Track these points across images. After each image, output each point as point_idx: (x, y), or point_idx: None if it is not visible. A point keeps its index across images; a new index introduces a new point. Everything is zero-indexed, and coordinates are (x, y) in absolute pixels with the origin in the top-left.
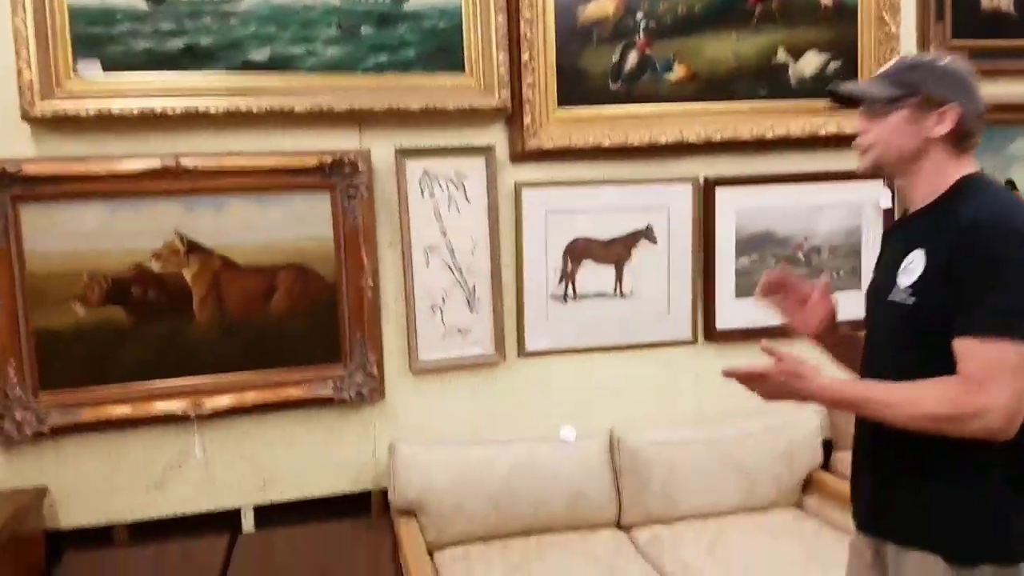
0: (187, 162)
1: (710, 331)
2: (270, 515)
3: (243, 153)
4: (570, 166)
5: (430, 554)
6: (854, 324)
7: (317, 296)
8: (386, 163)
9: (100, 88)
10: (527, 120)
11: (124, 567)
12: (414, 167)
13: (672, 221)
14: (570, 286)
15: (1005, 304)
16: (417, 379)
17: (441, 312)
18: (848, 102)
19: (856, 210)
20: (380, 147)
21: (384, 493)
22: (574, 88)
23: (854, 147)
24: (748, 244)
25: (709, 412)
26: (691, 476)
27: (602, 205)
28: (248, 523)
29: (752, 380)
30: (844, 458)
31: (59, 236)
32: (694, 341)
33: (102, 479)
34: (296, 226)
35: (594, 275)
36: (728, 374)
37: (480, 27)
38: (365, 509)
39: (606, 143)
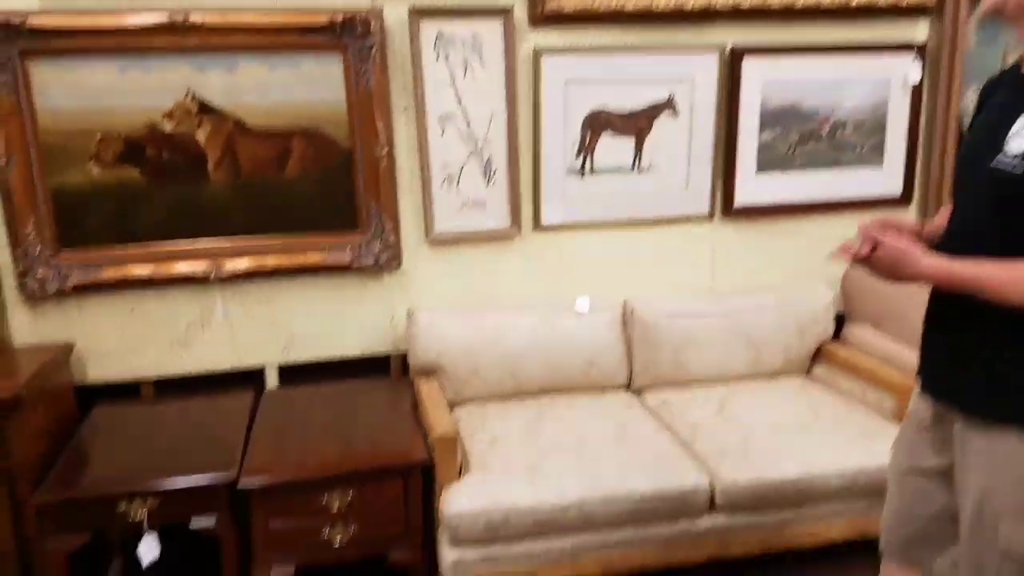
0: (195, 17)
1: (728, 207)
2: (293, 375)
3: (250, 9)
4: (591, 32)
5: (449, 410)
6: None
7: (331, 163)
8: (400, 24)
9: None
10: None
11: (153, 419)
12: (429, 28)
13: (695, 92)
14: (588, 159)
15: None
16: (433, 249)
17: (457, 183)
18: None
19: (883, 85)
20: (393, 6)
21: (403, 357)
22: None
23: None
24: (772, 118)
25: (723, 287)
26: (702, 346)
27: (623, 75)
28: (272, 382)
29: (859, 262)
30: (856, 330)
31: (70, 93)
32: (711, 217)
33: (127, 337)
34: (308, 89)
35: (613, 148)
36: (839, 255)
37: None
38: (384, 372)
39: (629, 7)
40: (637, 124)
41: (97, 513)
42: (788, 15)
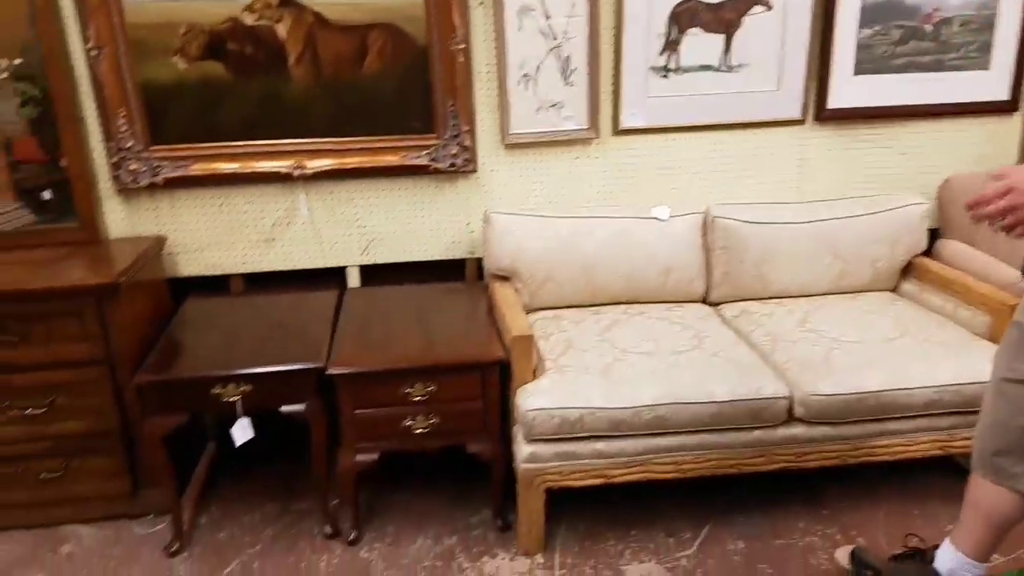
0: None
1: (821, 110)
2: (372, 276)
3: None
4: None
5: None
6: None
7: (408, 60)
8: None
9: None
10: None
11: (242, 312)
12: None
13: None
14: (674, 57)
15: None
16: (509, 153)
17: (534, 83)
18: None
19: None
20: None
21: (478, 262)
22: None
23: None
24: (872, 13)
25: (811, 196)
26: (785, 257)
27: None
28: (353, 280)
29: (1001, 203)
30: (950, 245)
31: None
32: (803, 121)
33: (216, 232)
34: None
35: (700, 45)
36: (971, 205)
37: None
38: (459, 276)
39: None
40: (727, 18)
41: (193, 395)
42: None
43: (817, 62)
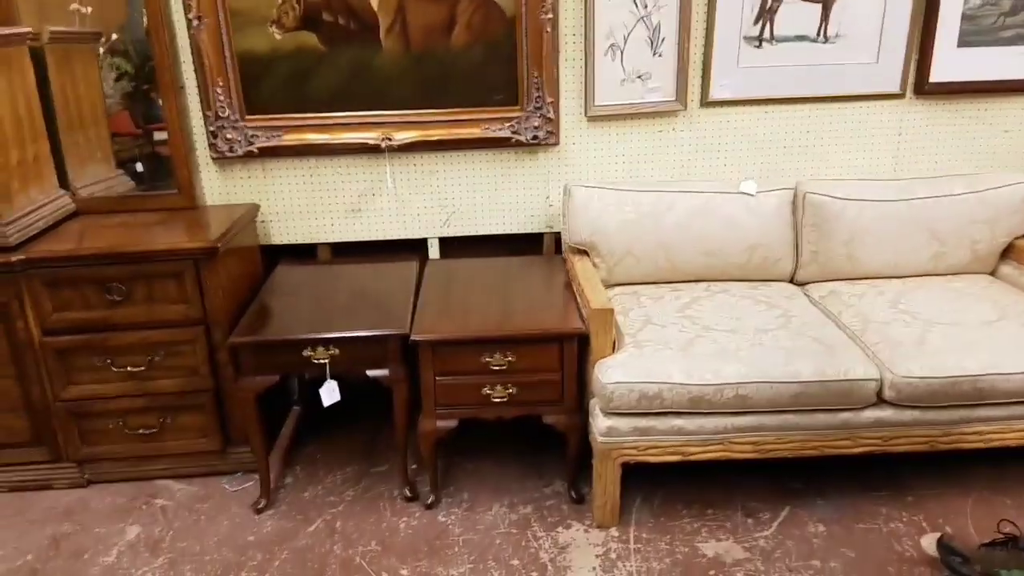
0: None
1: (922, 84)
2: (452, 247)
3: None
4: None
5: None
6: None
7: (496, 30)
8: None
9: None
10: None
11: (330, 279)
12: None
13: None
14: (768, 26)
15: None
16: (592, 125)
17: (621, 54)
18: None
19: None
20: None
21: (556, 236)
22: None
23: None
24: None
25: (908, 173)
26: (879, 237)
27: None
28: (434, 252)
29: None
30: None
31: None
32: (902, 95)
33: (306, 201)
34: None
35: (797, 14)
36: None
37: None
38: (536, 249)
39: None
40: None
41: (284, 357)
42: None
43: (920, 33)
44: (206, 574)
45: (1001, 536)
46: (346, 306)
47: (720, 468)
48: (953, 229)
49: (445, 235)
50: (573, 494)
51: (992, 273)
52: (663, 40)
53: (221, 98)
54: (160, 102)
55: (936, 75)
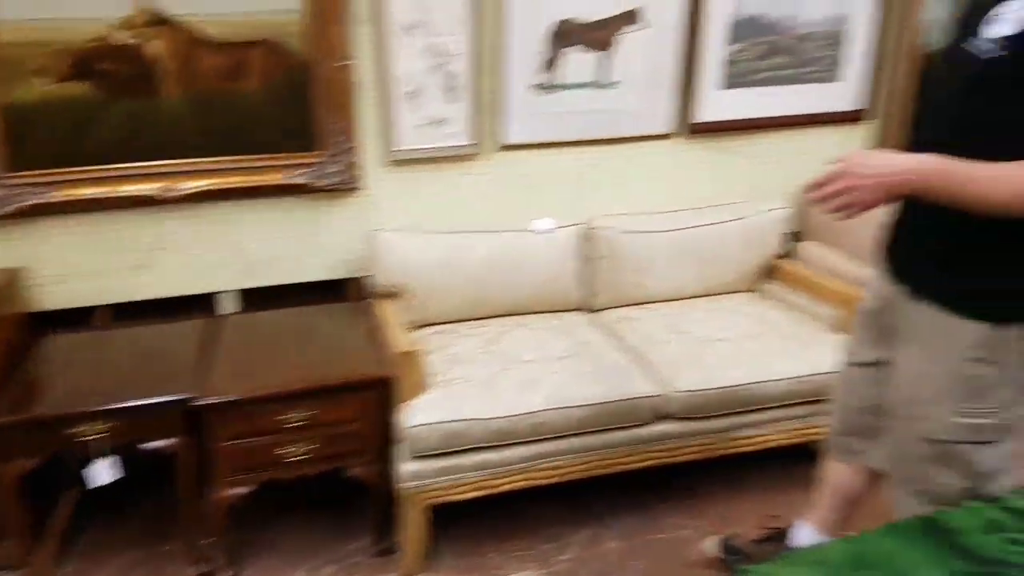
0: None
1: (690, 124)
2: (251, 300)
3: None
4: None
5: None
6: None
7: (290, 76)
8: None
9: None
10: None
11: (108, 344)
12: None
13: (662, 4)
14: (553, 74)
15: None
16: (394, 170)
17: (418, 100)
18: None
19: None
20: None
21: (361, 281)
22: None
23: None
24: (737, 30)
25: (684, 205)
26: (660, 264)
27: None
28: (228, 307)
29: (837, 184)
30: (808, 246)
31: (17, 2)
32: (673, 135)
33: (81, 261)
34: None
35: (579, 62)
36: (812, 190)
37: None
38: (343, 296)
39: None
40: (603, 36)
41: (50, 435)
42: None
43: (685, 78)
44: None
45: (769, 531)
46: (124, 373)
47: (525, 498)
48: (723, 253)
49: (243, 287)
50: (381, 546)
51: (758, 291)
52: (459, 87)
53: None
54: None
55: (702, 116)
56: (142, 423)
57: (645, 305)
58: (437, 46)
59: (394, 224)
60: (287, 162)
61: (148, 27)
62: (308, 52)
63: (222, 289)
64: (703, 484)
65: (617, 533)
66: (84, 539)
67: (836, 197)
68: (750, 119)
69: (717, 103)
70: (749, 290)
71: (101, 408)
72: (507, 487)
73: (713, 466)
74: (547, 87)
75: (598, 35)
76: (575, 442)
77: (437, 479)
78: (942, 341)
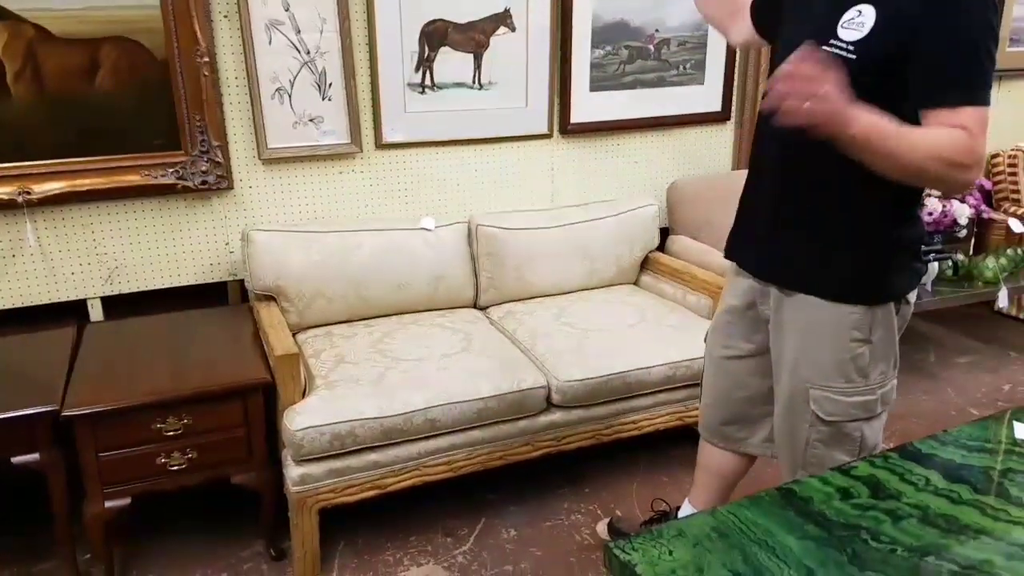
0: None
1: (565, 124)
2: (119, 307)
3: None
4: None
5: (293, 335)
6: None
7: (148, 74)
8: None
9: None
10: None
11: None
12: None
13: (530, 8)
14: (428, 74)
15: (979, 71)
16: (268, 168)
17: (289, 97)
18: None
19: None
20: None
21: (240, 284)
22: None
23: None
24: (602, 35)
25: (562, 202)
26: (543, 259)
27: None
28: (96, 314)
29: (784, 83)
30: (678, 241)
31: None
32: (550, 135)
33: None
34: None
35: (453, 64)
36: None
37: None
38: (221, 300)
39: None
40: (474, 38)
41: None
42: None
43: (559, 80)
44: None
45: (655, 513)
46: None
47: (419, 494)
48: (601, 248)
49: (110, 294)
50: (272, 552)
51: (636, 283)
52: (331, 85)
53: None
54: None
55: (576, 116)
56: (5, 439)
57: (531, 300)
58: (305, 43)
59: (271, 224)
60: (151, 162)
61: None
62: (166, 49)
63: (87, 296)
64: (593, 470)
65: (512, 523)
66: None
67: (783, 97)
68: (621, 120)
69: (589, 105)
70: (629, 283)
71: None
72: (399, 485)
73: (602, 452)
74: (422, 87)
75: (470, 36)
76: (466, 436)
77: (326, 481)
78: (824, 328)
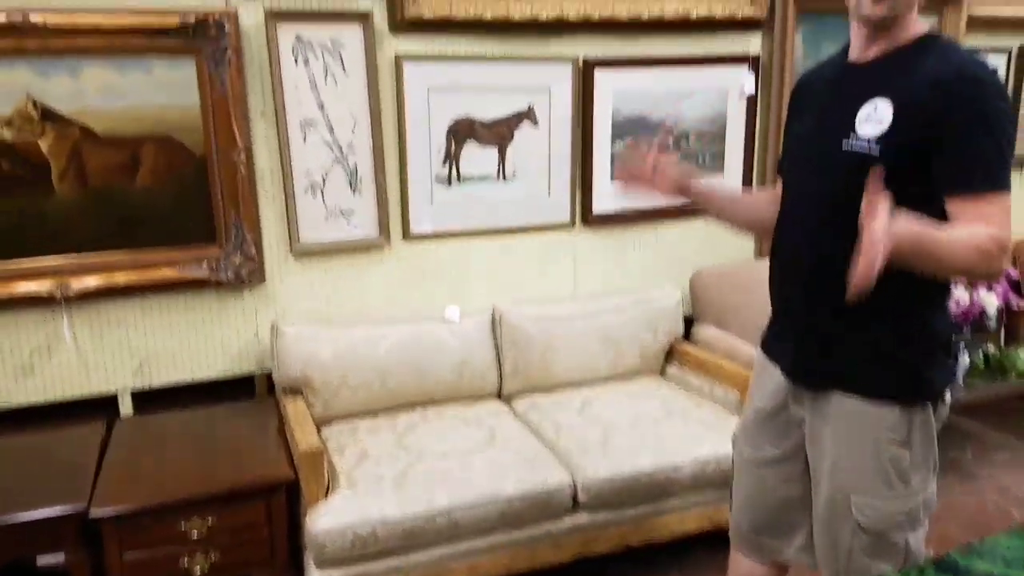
0: (36, 18)
1: (587, 215)
2: (149, 401)
3: (96, 9)
4: (451, 40)
5: (317, 429)
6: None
7: (186, 171)
8: (256, 26)
9: None
10: None
11: None
12: (286, 32)
13: (553, 103)
14: (454, 167)
15: (1001, 157)
16: (299, 261)
17: (322, 192)
18: None
19: (722, 96)
20: (249, 8)
21: (268, 376)
22: None
23: None
24: (622, 128)
25: (585, 291)
26: (567, 348)
27: (484, 84)
28: (126, 409)
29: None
30: (704, 330)
31: None
32: (572, 225)
33: None
34: (159, 93)
35: (478, 157)
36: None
37: None
38: (248, 392)
39: (487, 15)
40: (499, 133)
41: None
42: (635, 28)
43: (580, 171)
44: None
45: None
46: (10, 485)
47: None
48: (624, 336)
49: (140, 388)
50: None
51: (661, 373)
52: (361, 179)
53: None
54: None
55: (597, 207)
56: (32, 538)
57: (554, 390)
58: (337, 141)
59: (300, 317)
60: (186, 256)
61: (36, 123)
62: (205, 146)
63: (118, 389)
64: (622, 573)
65: None
66: None
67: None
68: (643, 209)
69: (611, 195)
70: (654, 373)
71: None
72: None
73: (630, 556)
74: (448, 179)
75: (495, 131)
76: (490, 540)
77: None
78: (861, 429)
